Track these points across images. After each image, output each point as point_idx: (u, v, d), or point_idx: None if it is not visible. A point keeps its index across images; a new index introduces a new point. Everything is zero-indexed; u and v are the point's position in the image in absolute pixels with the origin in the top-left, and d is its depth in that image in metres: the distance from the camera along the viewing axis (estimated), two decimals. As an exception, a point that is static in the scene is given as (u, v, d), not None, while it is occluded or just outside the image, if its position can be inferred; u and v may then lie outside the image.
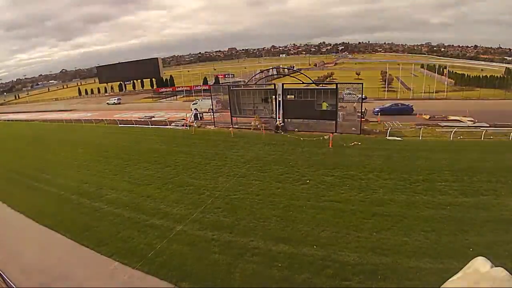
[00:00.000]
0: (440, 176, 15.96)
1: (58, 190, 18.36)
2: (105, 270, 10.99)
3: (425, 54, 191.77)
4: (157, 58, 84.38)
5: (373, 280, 9.12)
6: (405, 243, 10.66)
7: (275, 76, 56.29)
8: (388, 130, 25.18)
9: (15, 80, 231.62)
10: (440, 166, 17.39)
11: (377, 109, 34.64)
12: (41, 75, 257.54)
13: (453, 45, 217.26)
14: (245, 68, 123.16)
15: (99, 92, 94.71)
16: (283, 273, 9.80)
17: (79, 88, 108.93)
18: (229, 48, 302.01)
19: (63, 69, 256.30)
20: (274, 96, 28.60)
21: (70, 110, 65.28)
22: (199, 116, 36.66)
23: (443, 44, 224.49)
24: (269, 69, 75.94)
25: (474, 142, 22.40)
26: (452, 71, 63.54)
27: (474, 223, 11.50)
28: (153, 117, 40.67)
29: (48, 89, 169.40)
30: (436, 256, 9.88)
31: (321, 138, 24.11)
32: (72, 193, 17.54)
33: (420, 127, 26.16)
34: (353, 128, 26.33)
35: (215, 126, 32.34)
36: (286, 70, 42.89)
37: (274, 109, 28.75)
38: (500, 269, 2.55)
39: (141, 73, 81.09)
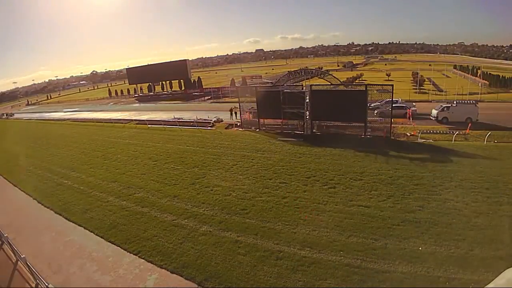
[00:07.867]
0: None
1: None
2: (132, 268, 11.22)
3: (458, 54, 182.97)
4: (185, 59, 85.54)
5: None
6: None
7: (303, 77, 55.67)
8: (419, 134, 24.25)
9: (47, 80, 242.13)
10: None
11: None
12: (72, 76, 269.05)
13: (487, 45, 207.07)
14: (273, 69, 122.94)
15: (128, 93, 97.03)
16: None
17: (109, 89, 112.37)
18: (256, 50, 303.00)
19: (93, 71, 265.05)
20: (302, 97, 28.06)
21: (101, 111, 67.26)
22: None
23: (477, 43, 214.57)
24: (297, 70, 75.02)
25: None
26: (487, 72, 60.16)
27: None
28: (182, 118, 40.81)
29: (79, 90, 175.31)
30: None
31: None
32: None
33: (454, 131, 24.52)
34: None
35: (242, 128, 32.33)
36: (313, 71, 42.27)
37: (304, 110, 28.20)
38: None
39: (169, 74, 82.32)
